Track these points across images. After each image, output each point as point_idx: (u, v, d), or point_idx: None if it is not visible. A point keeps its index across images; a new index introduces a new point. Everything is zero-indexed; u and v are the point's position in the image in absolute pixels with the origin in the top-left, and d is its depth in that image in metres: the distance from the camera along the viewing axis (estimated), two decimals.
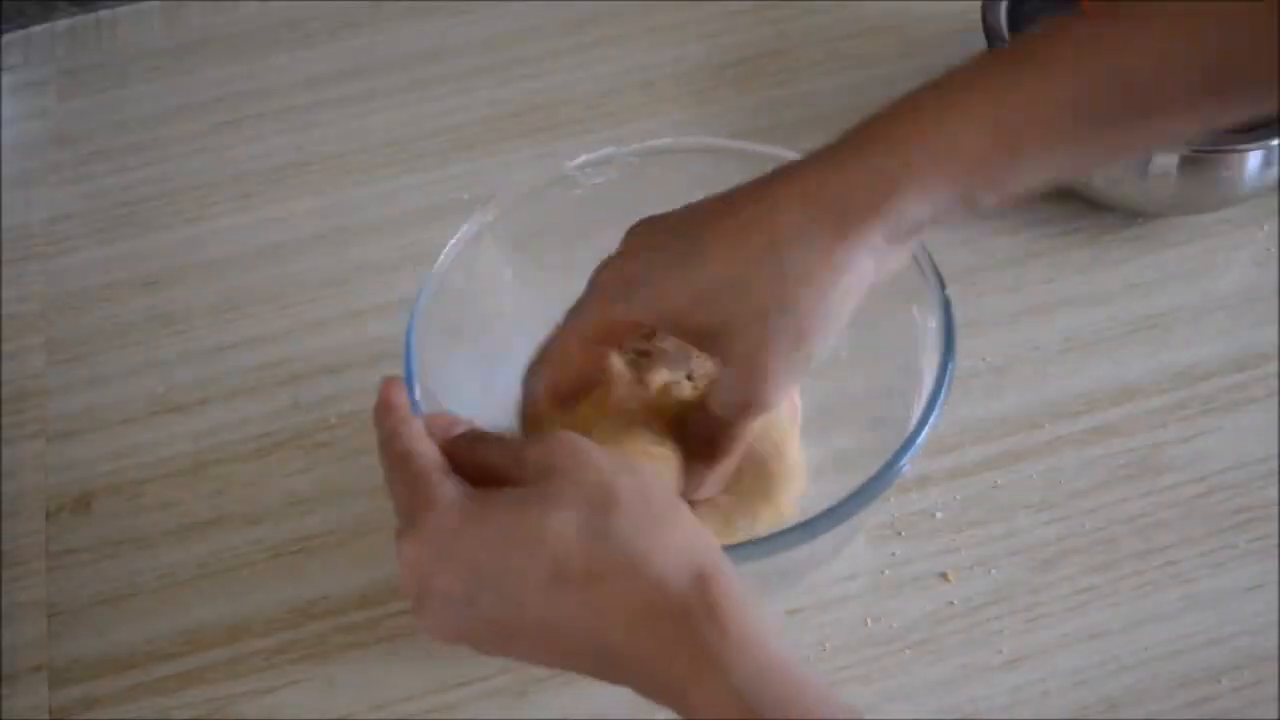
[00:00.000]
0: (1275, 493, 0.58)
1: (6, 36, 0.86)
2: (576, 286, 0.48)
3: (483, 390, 0.54)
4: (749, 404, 0.45)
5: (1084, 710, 0.53)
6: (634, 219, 0.47)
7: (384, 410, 0.43)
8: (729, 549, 0.42)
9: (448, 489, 0.39)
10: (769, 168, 0.49)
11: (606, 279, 0.47)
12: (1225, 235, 0.68)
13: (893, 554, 0.58)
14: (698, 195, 0.53)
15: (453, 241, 0.54)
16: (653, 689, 0.37)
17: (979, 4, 0.70)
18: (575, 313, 0.48)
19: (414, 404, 0.47)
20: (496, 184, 0.74)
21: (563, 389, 0.49)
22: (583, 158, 0.56)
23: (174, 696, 0.56)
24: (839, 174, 0.43)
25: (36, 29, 0.86)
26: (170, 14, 0.86)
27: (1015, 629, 0.55)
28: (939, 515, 0.59)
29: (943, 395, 0.47)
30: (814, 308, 0.43)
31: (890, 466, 0.46)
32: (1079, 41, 0.41)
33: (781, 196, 0.43)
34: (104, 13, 0.87)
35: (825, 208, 0.42)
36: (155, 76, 0.83)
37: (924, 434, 0.47)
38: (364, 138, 0.78)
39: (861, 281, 0.43)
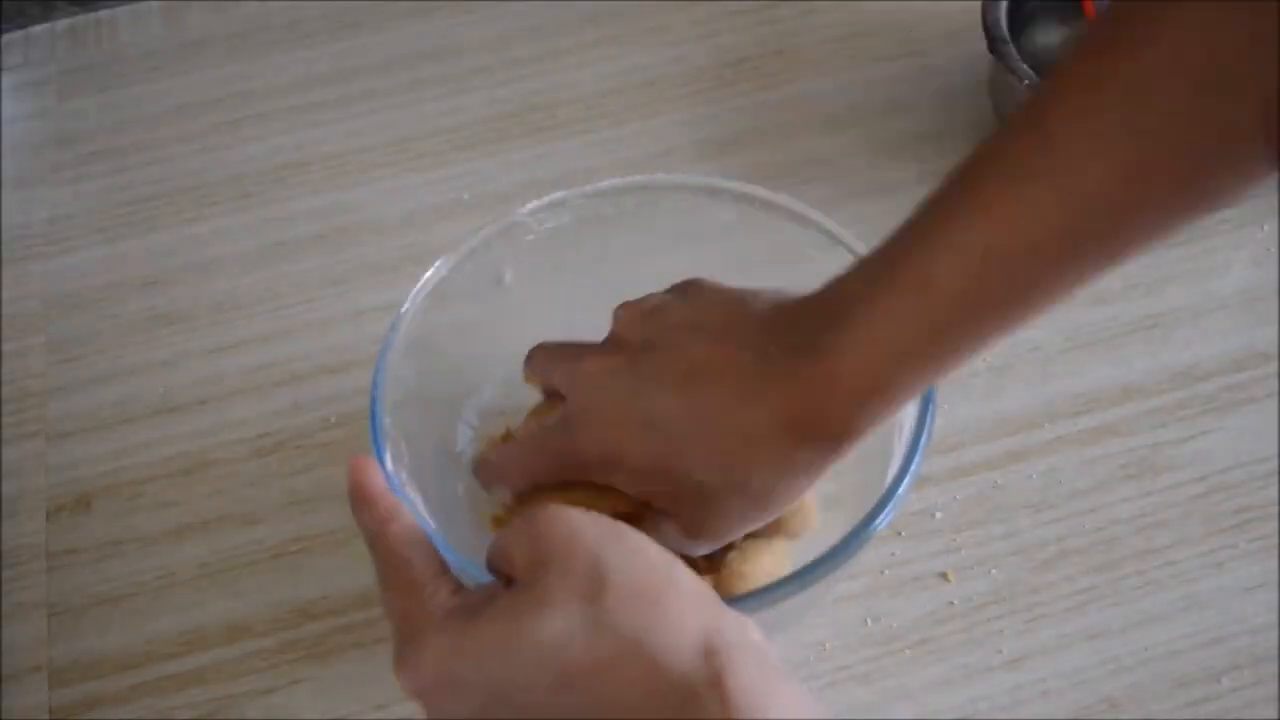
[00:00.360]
0: (1275, 493, 0.58)
1: (6, 36, 0.86)
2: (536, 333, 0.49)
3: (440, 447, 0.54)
4: (684, 551, 0.45)
5: (1084, 710, 0.53)
6: (590, 262, 0.49)
7: (361, 501, 0.40)
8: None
9: (439, 604, 0.38)
10: (719, 201, 0.51)
11: (585, 442, 0.46)
12: (1225, 235, 0.68)
13: (893, 554, 0.58)
14: (655, 233, 0.55)
15: (410, 298, 0.54)
16: None
17: (979, 4, 0.70)
18: (543, 449, 0.47)
19: (385, 474, 0.46)
20: (496, 184, 0.74)
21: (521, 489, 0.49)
22: (533, 204, 0.56)
23: (174, 696, 0.56)
24: (811, 392, 0.42)
25: (36, 29, 0.86)
26: (170, 14, 0.86)
27: (1015, 629, 0.55)
28: (939, 515, 0.59)
29: (918, 457, 0.47)
30: (775, 499, 0.44)
31: (859, 533, 0.45)
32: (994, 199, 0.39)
33: (761, 416, 0.42)
34: (104, 13, 0.87)
35: (796, 428, 0.42)
36: (155, 76, 0.83)
37: (903, 487, 0.46)
38: (364, 138, 0.78)
39: (824, 472, 0.44)
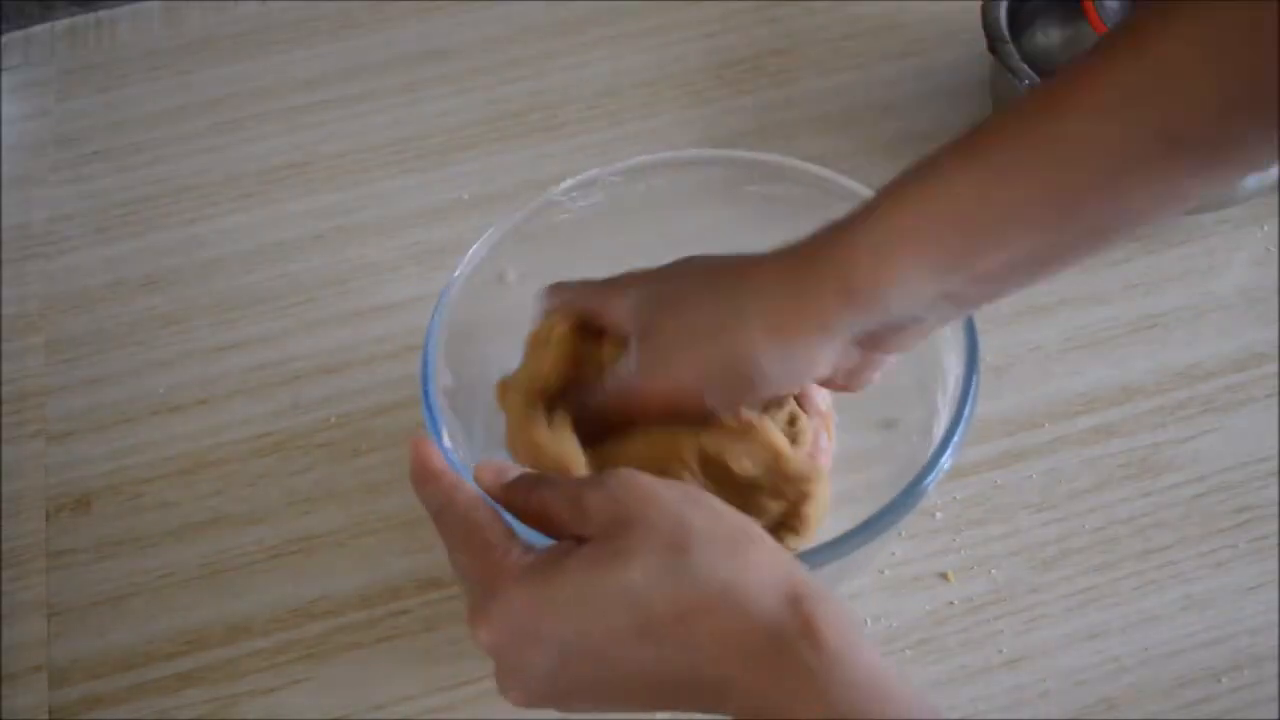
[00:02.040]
0: (1275, 493, 0.58)
1: (6, 36, 0.86)
2: None
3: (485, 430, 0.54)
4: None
5: (1084, 710, 0.53)
6: (624, 237, 0.50)
7: (424, 477, 0.41)
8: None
9: (514, 561, 0.38)
10: (750, 173, 0.52)
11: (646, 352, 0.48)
12: (1225, 235, 0.68)
13: (892, 554, 0.58)
14: (685, 208, 0.55)
15: (457, 272, 0.54)
16: (754, 715, 0.36)
17: (979, 4, 0.70)
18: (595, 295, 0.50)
19: (444, 451, 0.47)
20: (496, 184, 0.74)
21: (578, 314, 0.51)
22: (568, 181, 0.57)
23: (174, 696, 0.56)
24: (813, 259, 0.44)
25: (36, 29, 0.86)
26: (170, 14, 0.86)
27: (1015, 629, 0.55)
28: (939, 515, 0.59)
29: (967, 410, 0.48)
30: (762, 373, 0.46)
31: (917, 484, 0.46)
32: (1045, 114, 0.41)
33: (747, 312, 0.45)
34: (104, 13, 0.87)
35: (796, 289, 0.44)
36: (155, 76, 0.83)
37: (951, 447, 0.47)
38: (364, 138, 0.78)
39: (811, 368, 0.45)
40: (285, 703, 0.56)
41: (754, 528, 0.39)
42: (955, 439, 0.47)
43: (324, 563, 0.60)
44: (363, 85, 0.80)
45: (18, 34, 0.86)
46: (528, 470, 0.43)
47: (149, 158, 0.78)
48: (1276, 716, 0.52)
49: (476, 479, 0.42)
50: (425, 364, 0.51)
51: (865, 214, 0.43)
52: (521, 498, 0.41)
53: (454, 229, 0.72)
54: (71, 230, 0.75)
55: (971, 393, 0.48)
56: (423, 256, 0.71)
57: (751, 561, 0.37)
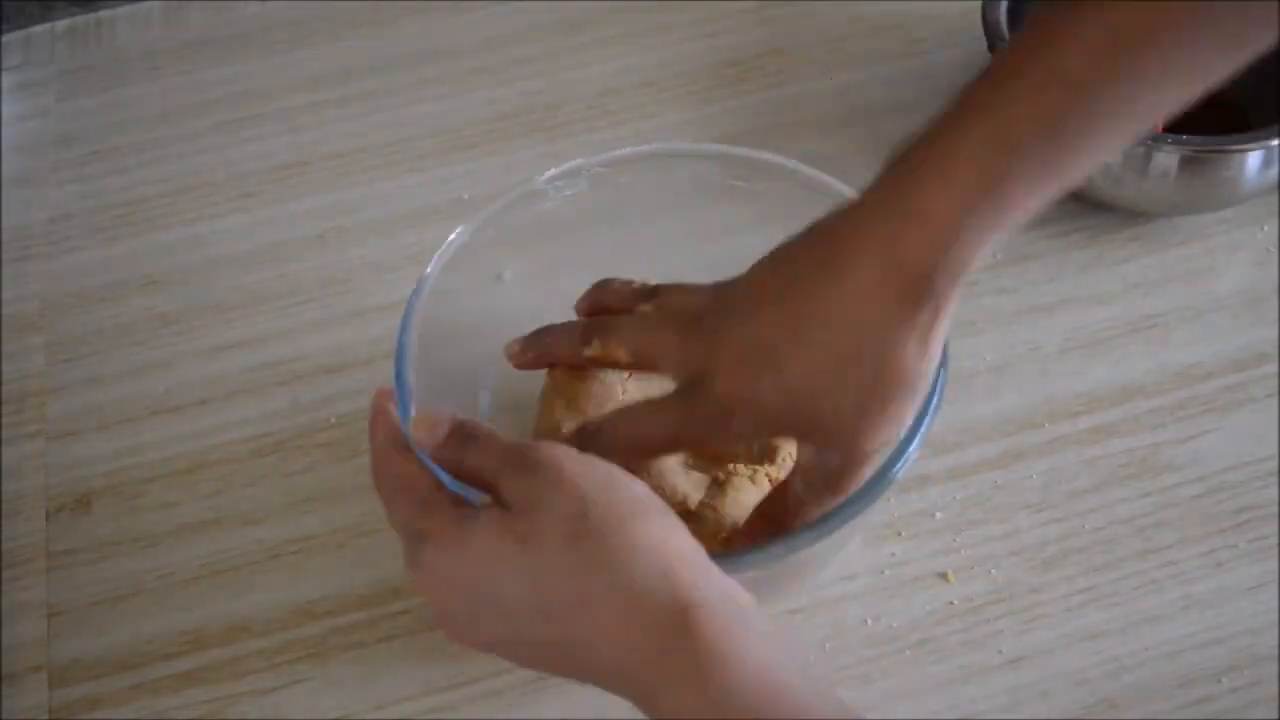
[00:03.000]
0: (1275, 493, 0.58)
1: (6, 36, 0.86)
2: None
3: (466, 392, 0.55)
4: (842, 482, 0.45)
5: (1084, 710, 0.53)
6: (607, 228, 0.48)
7: (378, 423, 0.46)
8: (728, 558, 0.42)
9: (438, 513, 0.42)
10: (740, 170, 0.51)
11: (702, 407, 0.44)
12: (1225, 235, 0.68)
13: (892, 554, 0.58)
14: (670, 202, 0.55)
15: (441, 249, 0.56)
16: (650, 709, 0.38)
17: (979, 4, 0.70)
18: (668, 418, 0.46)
19: (404, 405, 0.49)
20: (496, 184, 0.74)
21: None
22: (551, 171, 0.57)
23: (174, 696, 0.56)
24: (901, 227, 0.40)
25: (36, 29, 0.86)
26: (170, 14, 0.86)
27: (1015, 629, 0.55)
28: (939, 515, 0.59)
29: (934, 402, 0.47)
30: (905, 389, 0.42)
31: (881, 477, 0.46)
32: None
33: (847, 267, 0.41)
34: (104, 13, 0.87)
35: (898, 277, 0.40)
36: (155, 76, 0.83)
37: (916, 441, 0.46)
38: (364, 138, 0.78)
39: (941, 338, 0.42)
40: (285, 703, 0.56)
41: (657, 518, 0.39)
42: (912, 449, 0.46)
43: (324, 563, 0.60)
44: (362, 85, 0.80)
45: (18, 34, 0.86)
46: (461, 422, 0.44)
47: (149, 158, 0.78)
48: (1276, 716, 0.52)
49: (410, 433, 0.44)
50: (401, 341, 0.52)
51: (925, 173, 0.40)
52: (450, 456, 0.43)
53: (454, 229, 0.72)
54: (71, 230, 0.75)
55: (934, 403, 0.47)
56: (423, 256, 0.70)
57: (647, 560, 0.37)
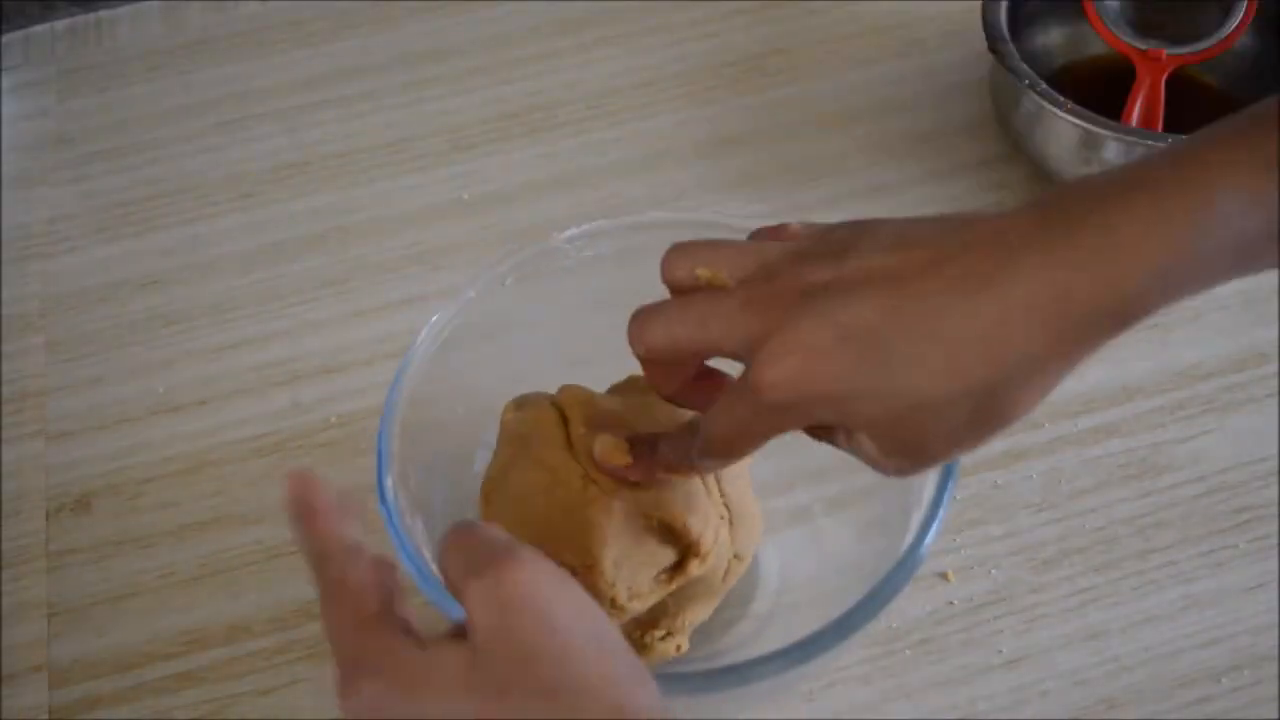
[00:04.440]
0: (1275, 493, 0.58)
1: (6, 36, 0.86)
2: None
3: (452, 486, 0.51)
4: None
5: (1084, 710, 0.53)
6: (625, 292, 0.42)
7: (306, 517, 0.37)
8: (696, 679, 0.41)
9: (387, 640, 0.34)
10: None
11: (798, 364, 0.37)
12: None
13: None
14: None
15: (429, 326, 0.51)
16: None
17: (979, 4, 0.70)
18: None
19: (385, 501, 0.45)
20: (496, 184, 0.74)
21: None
22: (572, 230, 0.53)
23: (174, 696, 0.56)
24: (1078, 278, 0.35)
25: (36, 29, 0.86)
26: (170, 14, 0.86)
27: (1015, 629, 0.55)
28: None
29: (941, 511, 0.45)
30: (1010, 424, 0.38)
31: (877, 594, 0.44)
32: None
33: (1011, 301, 0.35)
34: (104, 13, 0.87)
35: (1062, 331, 0.36)
36: (155, 76, 0.83)
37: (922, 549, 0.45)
38: (364, 138, 0.78)
39: (1078, 363, 0.37)
40: (285, 703, 0.56)
41: (599, 647, 0.34)
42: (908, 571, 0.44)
43: None
44: (362, 85, 0.80)
45: (18, 34, 0.86)
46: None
47: (149, 158, 0.78)
48: (1276, 716, 0.52)
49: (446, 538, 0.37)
50: (388, 405, 0.48)
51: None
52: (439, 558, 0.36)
53: (454, 229, 0.72)
54: (71, 230, 0.75)
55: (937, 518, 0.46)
56: (423, 256, 0.71)
57: (583, 701, 0.32)
